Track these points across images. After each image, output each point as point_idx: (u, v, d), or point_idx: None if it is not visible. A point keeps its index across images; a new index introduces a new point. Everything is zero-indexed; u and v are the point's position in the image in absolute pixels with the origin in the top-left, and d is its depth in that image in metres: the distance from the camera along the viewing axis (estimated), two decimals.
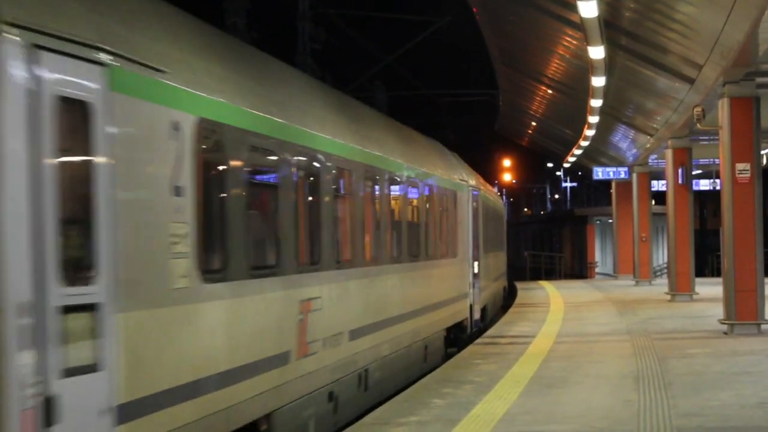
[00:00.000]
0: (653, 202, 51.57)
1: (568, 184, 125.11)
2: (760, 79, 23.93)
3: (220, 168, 11.02)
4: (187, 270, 9.93)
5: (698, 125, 26.06)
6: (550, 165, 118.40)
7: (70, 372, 7.97)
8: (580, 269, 66.31)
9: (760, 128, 24.34)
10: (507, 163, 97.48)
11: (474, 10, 37.39)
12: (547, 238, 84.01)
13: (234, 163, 11.27)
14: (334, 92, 17.81)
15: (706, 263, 63.88)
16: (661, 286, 43.61)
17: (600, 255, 65.25)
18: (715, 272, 57.58)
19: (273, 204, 12.68)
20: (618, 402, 14.94)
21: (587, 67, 28.32)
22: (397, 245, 19.51)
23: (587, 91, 32.12)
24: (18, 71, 7.55)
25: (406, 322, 19.81)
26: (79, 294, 8.16)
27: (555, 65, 39.23)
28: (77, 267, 8.21)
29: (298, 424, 13.06)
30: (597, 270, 63.71)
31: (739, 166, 24.05)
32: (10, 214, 7.46)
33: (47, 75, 7.83)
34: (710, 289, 37.63)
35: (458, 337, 26.25)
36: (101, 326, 8.42)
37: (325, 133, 14.87)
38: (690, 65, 25.16)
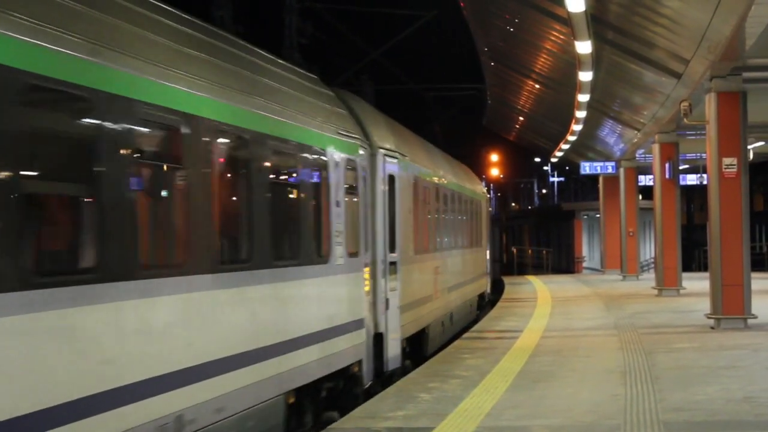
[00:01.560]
0: (640, 196, 51.63)
1: (556, 179, 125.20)
2: (747, 74, 23.95)
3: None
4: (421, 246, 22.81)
5: (685, 120, 26.12)
6: (537, 160, 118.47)
7: (390, 289, 19.09)
8: (567, 264, 66.36)
9: (747, 123, 24.35)
10: (494, 157, 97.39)
11: (461, 4, 37.41)
12: (534, 233, 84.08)
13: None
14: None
15: (693, 258, 64.05)
16: (648, 280, 43.70)
17: (587, 250, 65.30)
18: (702, 267, 57.67)
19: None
20: (605, 396, 14.94)
21: (574, 62, 28.35)
22: (460, 236, 31.17)
23: (574, 86, 32.16)
24: (381, 165, 18.91)
25: (465, 286, 32.05)
26: (391, 256, 19.31)
27: (542, 60, 39.26)
28: (392, 246, 19.52)
29: (437, 331, 25.36)
30: (584, 265, 63.76)
31: (726, 160, 24.07)
32: (379, 227, 18.74)
33: (386, 165, 19.20)
34: (697, 283, 37.70)
35: (480, 305, 37.27)
36: (397, 271, 19.75)
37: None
38: (677, 60, 25.18)
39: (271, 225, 12.84)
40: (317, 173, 15.07)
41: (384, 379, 18.63)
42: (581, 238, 65.41)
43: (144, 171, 10.01)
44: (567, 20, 23.85)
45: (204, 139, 11.08)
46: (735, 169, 24.05)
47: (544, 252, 72.47)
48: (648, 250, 61.91)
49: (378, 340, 18.35)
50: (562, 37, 31.28)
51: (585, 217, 65.81)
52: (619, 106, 38.81)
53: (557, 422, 13.08)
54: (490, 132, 77.67)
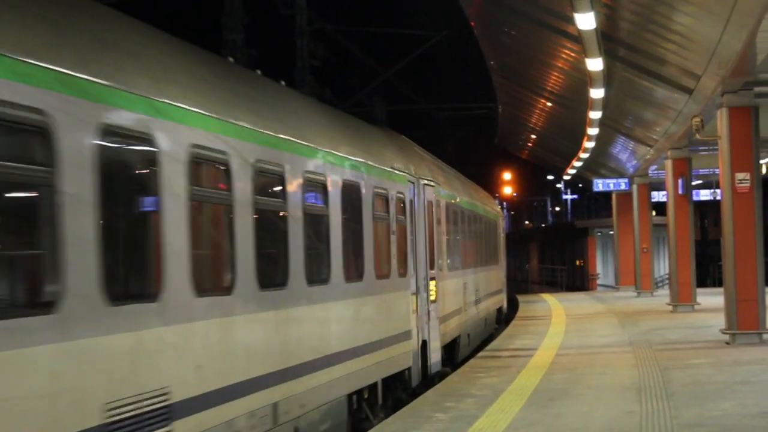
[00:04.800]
0: (654, 213, 51.58)
1: (569, 196, 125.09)
2: (758, 89, 23.95)
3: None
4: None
5: (697, 135, 26.09)
6: (550, 177, 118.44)
7: (431, 302, 21.46)
8: (581, 281, 66.29)
9: (759, 137, 24.35)
10: (507, 176, 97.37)
11: (472, 24, 37.46)
12: (548, 250, 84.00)
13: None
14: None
15: (708, 273, 63.91)
16: (662, 297, 43.60)
17: (601, 267, 65.23)
18: (717, 282, 57.52)
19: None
20: (620, 413, 14.93)
21: (586, 79, 28.37)
22: (481, 255, 33.55)
23: (586, 103, 32.16)
24: (422, 193, 21.12)
25: (487, 300, 34.35)
26: (430, 273, 21.60)
27: (553, 78, 39.28)
28: (431, 265, 21.84)
29: (465, 340, 27.63)
30: (598, 282, 63.69)
31: (739, 175, 24.06)
32: (421, 248, 20.77)
33: (425, 193, 21.40)
34: (712, 299, 37.60)
35: (498, 319, 38.66)
36: (436, 286, 22.14)
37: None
38: (688, 76, 25.20)
39: (352, 248, 16.18)
40: (385, 205, 18.26)
41: (428, 380, 20.82)
42: (595, 255, 65.36)
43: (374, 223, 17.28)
44: (578, 38, 23.89)
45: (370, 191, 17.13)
46: (748, 184, 24.03)
47: (559, 269, 72.39)
48: (662, 266, 61.80)
49: (422, 347, 20.59)
50: (573, 54, 31.31)
51: (599, 234, 65.77)
52: (631, 122, 38.81)
53: None
54: (502, 150, 77.71)
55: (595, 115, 33.40)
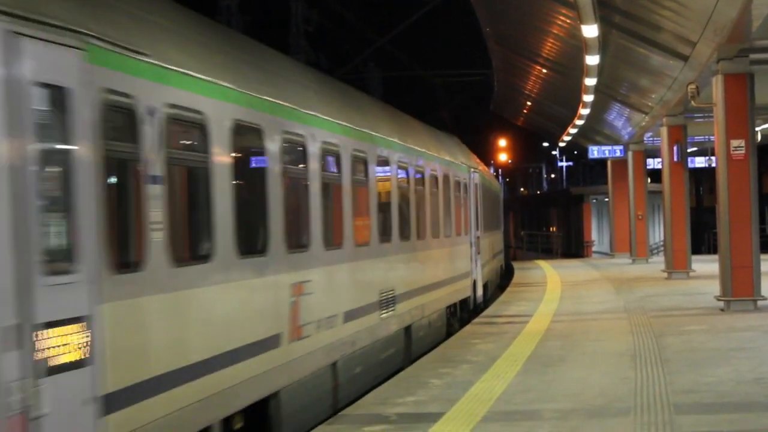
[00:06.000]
0: (649, 180, 51.58)
1: (564, 163, 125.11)
2: (753, 56, 23.92)
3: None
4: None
5: (692, 102, 26.07)
6: (545, 144, 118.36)
7: (477, 253, 30.46)
8: (576, 248, 66.34)
9: (755, 104, 24.34)
10: (503, 143, 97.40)
11: None
12: (543, 217, 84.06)
13: None
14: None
15: (703, 241, 63.95)
16: (657, 264, 43.69)
17: (596, 234, 65.25)
18: (712, 249, 57.61)
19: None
20: (615, 379, 14.98)
21: (581, 46, 28.30)
22: (492, 221, 39.79)
23: (581, 70, 32.11)
24: (471, 178, 31.22)
25: (497, 257, 42.70)
26: (476, 233, 30.87)
27: (549, 44, 39.21)
28: (477, 227, 31.45)
29: (488, 283, 34.42)
30: (594, 249, 63.73)
31: (734, 142, 24.06)
32: (472, 215, 29.77)
33: (473, 177, 31.61)
34: (707, 266, 37.69)
35: (501, 274, 44.99)
36: (480, 242, 31.89)
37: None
38: (684, 42, 25.15)
39: (446, 214, 25.09)
40: (458, 187, 27.29)
41: (476, 305, 29.88)
42: (590, 222, 65.38)
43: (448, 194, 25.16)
44: (573, 4, 23.82)
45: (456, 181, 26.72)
46: (743, 151, 24.04)
47: (554, 236, 72.43)
48: (657, 234, 61.87)
49: (473, 284, 29.50)
50: (568, 21, 31.24)
51: (594, 201, 65.76)
52: (626, 89, 38.76)
53: (568, 406, 13.12)
54: (497, 117, 77.61)
55: (590, 81, 33.35)
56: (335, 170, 15.40)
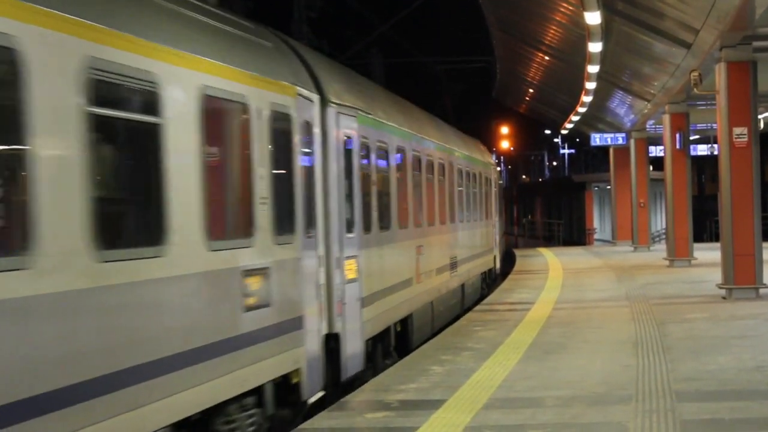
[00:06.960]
0: (651, 167, 51.52)
1: (566, 151, 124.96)
2: (756, 43, 23.88)
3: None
4: None
5: (695, 90, 26.06)
6: (547, 132, 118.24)
7: (497, 233, 40.60)
8: (578, 236, 66.30)
9: (757, 92, 24.29)
10: (505, 130, 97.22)
11: None
12: (545, 205, 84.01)
13: None
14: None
15: (705, 228, 63.89)
16: (659, 251, 43.67)
17: (598, 221, 65.19)
18: (714, 237, 57.58)
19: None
20: (617, 367, 14.98)
21: (584, 33, 28.28)
22: (495, 208, 42.21)
23: (584, 57, 32.07)
24: (492, 174, 40.04)
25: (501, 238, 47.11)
26: (497, 220, 40.30)
27: (552, 31, 39.16)
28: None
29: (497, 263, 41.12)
30: (595, 236, 63.69)
31: (737, 130, 24.02)
32: (494, 206, 38.83)
33: (493, 174, 40.74)
34: (709, 254, 37.66)
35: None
36: (497, 225, 40.86)
37: None
38: (686, 30, 25.10)
39: (485, 203, 34.07)
40: (486, 182, 35.05)
41: (496, 276, 37.93)
42: (592, 209, 65.31)
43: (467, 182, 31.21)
44: None
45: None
46: (746, 139, 24.00)
47: (556, 224, 72.40)
48: (659, 221, 61.80)
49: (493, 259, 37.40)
50: (571, 8, 31.18)
51: (596, 188, 65.67)
52: (629, 77, 38.70)
53: (569, 393, 13.12)
54: (500, 104, 77.51)
55: (592, 69, 33.31)
56: (441, 176, 25.17)
